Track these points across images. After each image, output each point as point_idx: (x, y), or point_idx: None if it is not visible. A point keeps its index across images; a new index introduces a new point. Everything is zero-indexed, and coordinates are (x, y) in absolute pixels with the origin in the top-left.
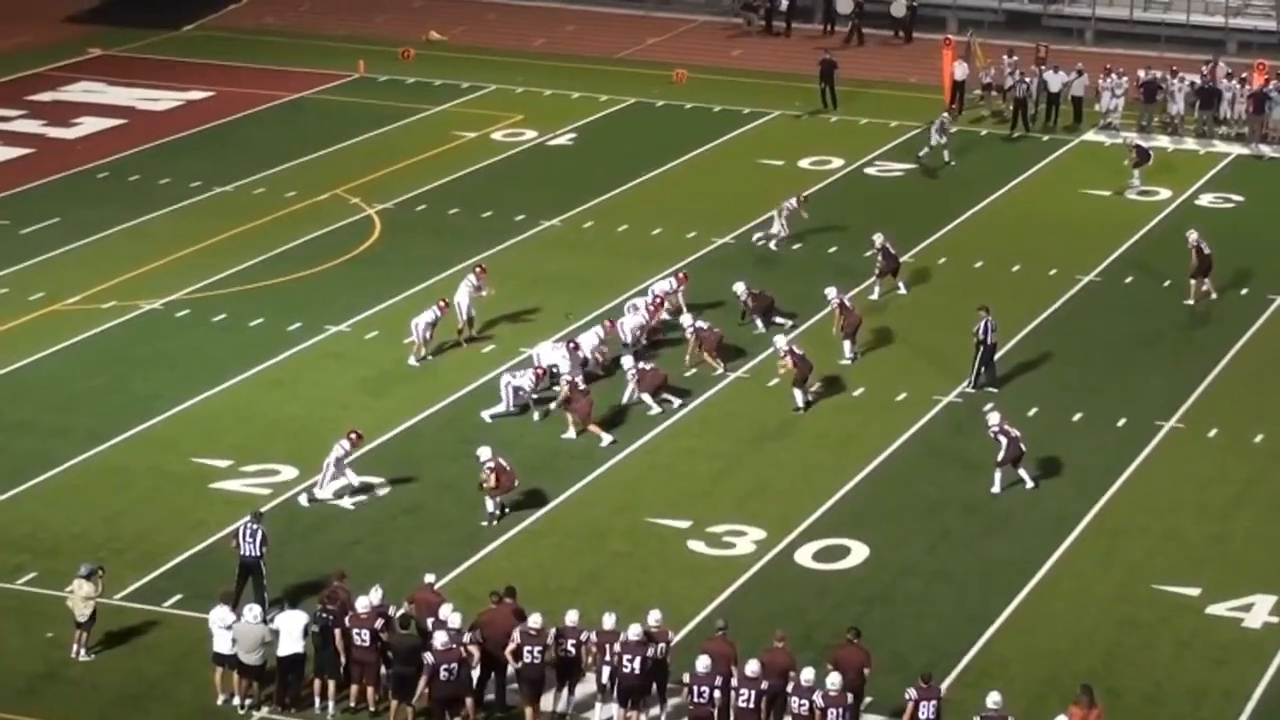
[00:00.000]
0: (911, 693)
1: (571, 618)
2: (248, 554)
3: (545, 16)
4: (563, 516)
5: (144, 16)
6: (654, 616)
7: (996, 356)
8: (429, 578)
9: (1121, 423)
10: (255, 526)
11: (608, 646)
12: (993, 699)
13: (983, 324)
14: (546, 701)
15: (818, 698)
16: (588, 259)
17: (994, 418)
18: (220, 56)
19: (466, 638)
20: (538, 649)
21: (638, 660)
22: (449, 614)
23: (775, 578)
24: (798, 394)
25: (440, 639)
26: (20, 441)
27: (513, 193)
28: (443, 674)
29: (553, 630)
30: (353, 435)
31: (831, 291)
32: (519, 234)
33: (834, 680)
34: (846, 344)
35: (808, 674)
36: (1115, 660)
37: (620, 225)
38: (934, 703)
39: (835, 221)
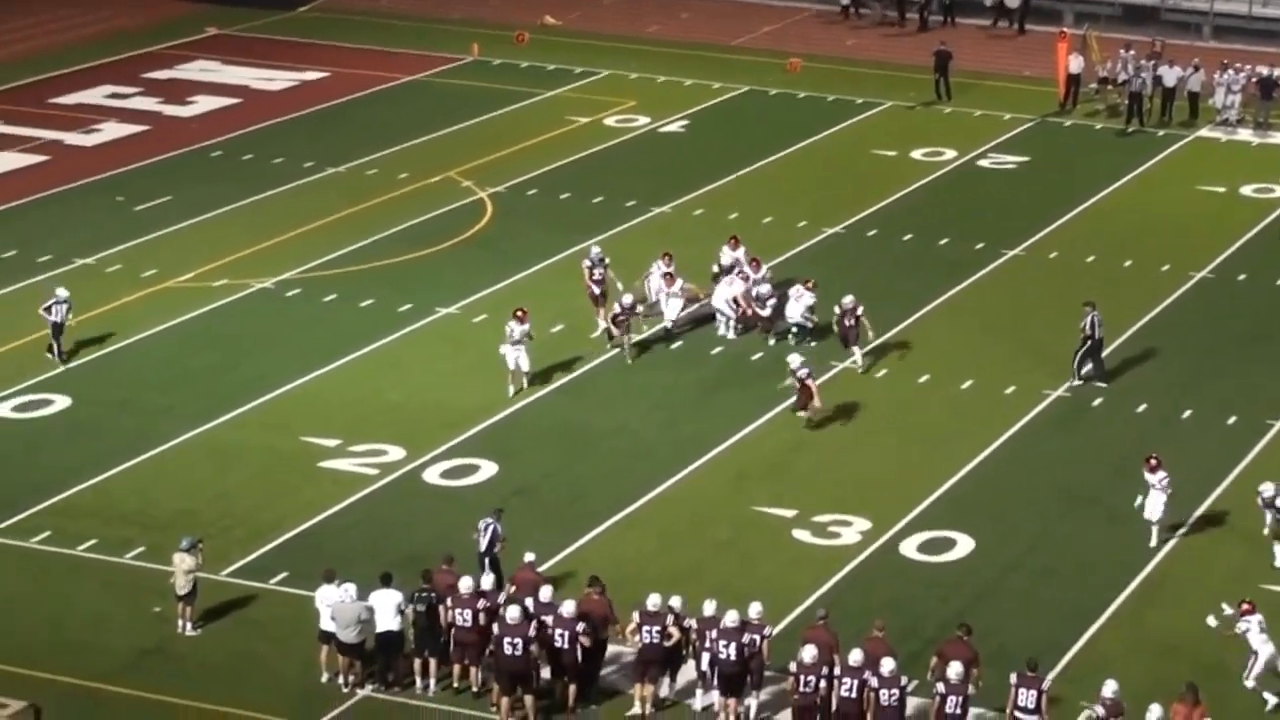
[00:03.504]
0: (1014, 678)
1: (675, 603)
2: (480, 548)
3: (660, 3)
4: (667, 504)
5: None
6: (755, 609)
7: (1104, 353)
8: (529, 557)
9: (1232, 420)
10: (489, 521)
11: (707, 633)
12: (1110, 688)
13: (1090, 319)
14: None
15: (940, 686)
16: (698, 247)
17: (1268, 489)
18: (335, 37)
19: (580, 627)
20: (656, 629)
21: (733, 646)
22: (548, 595)
23: (880, 568)
24: (803, 414)
25: (513, 613)
26: (130, 417)
27: (624, 179)
28: (507, 648)
29: (670, 614)
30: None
31: (849, 299)
32: (630, 219)
33: (956, 670)
34: (857, 351)
35: (888, 664)
36: (1222, 661)
37: (731, 213)
38: (1035, 692)
39: (947, 215)
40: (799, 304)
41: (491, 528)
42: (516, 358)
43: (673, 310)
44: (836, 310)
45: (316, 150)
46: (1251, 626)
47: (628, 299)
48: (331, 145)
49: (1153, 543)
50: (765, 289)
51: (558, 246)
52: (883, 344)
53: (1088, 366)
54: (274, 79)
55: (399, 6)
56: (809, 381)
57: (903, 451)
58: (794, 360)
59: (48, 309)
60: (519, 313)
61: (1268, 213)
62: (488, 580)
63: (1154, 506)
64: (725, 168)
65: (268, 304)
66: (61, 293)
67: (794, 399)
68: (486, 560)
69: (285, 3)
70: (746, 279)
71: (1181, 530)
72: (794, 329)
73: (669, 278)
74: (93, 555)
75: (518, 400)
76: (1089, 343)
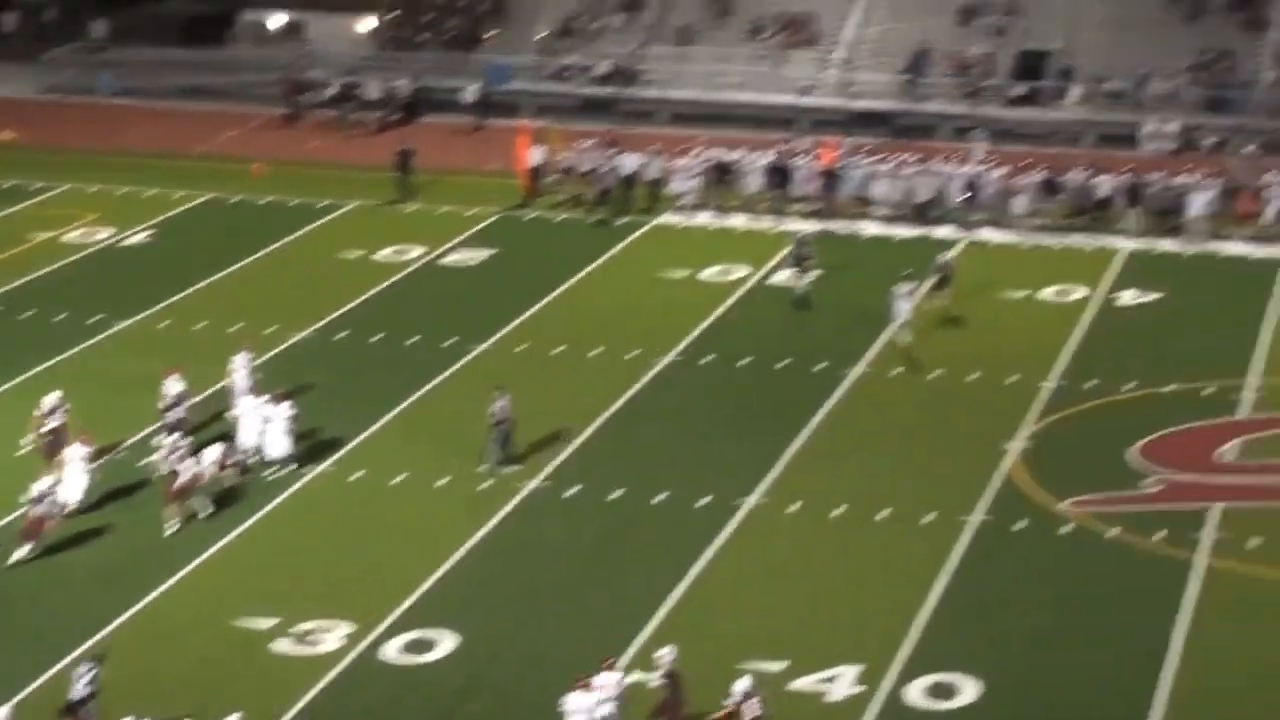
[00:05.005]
0: None
1: None
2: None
3: (119, 114)
4: (143, 621)
5: None
6: None
7: (578, 440)
8: None
9: (704, 501)
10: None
11: None
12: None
13: (499, 404)
14: None
15: None
16: (165, 358)
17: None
18: None
19: None
20: None
21: None
22: None
23: (362, 673)
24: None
25: None
26: None
27: (88, 293)
28: None
29: None
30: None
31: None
32: (95, 335)
33: None
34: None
35: None
36: None
37: (199, 322)
38: None
39: (416, 313)
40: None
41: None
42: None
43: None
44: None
45: None
46: None
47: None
48: None
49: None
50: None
51: (20, 365)
52: (356, 445)
53: (498, 452)
54: None
55: None
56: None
57: (381, 551)
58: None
59: None
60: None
61: (730, 295)
62: None
63: None
64: (191, 277)
65: None
66: None
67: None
68: None
69: None
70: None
71: (660, 612)
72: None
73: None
74: None
75: None
76: (499, 427)
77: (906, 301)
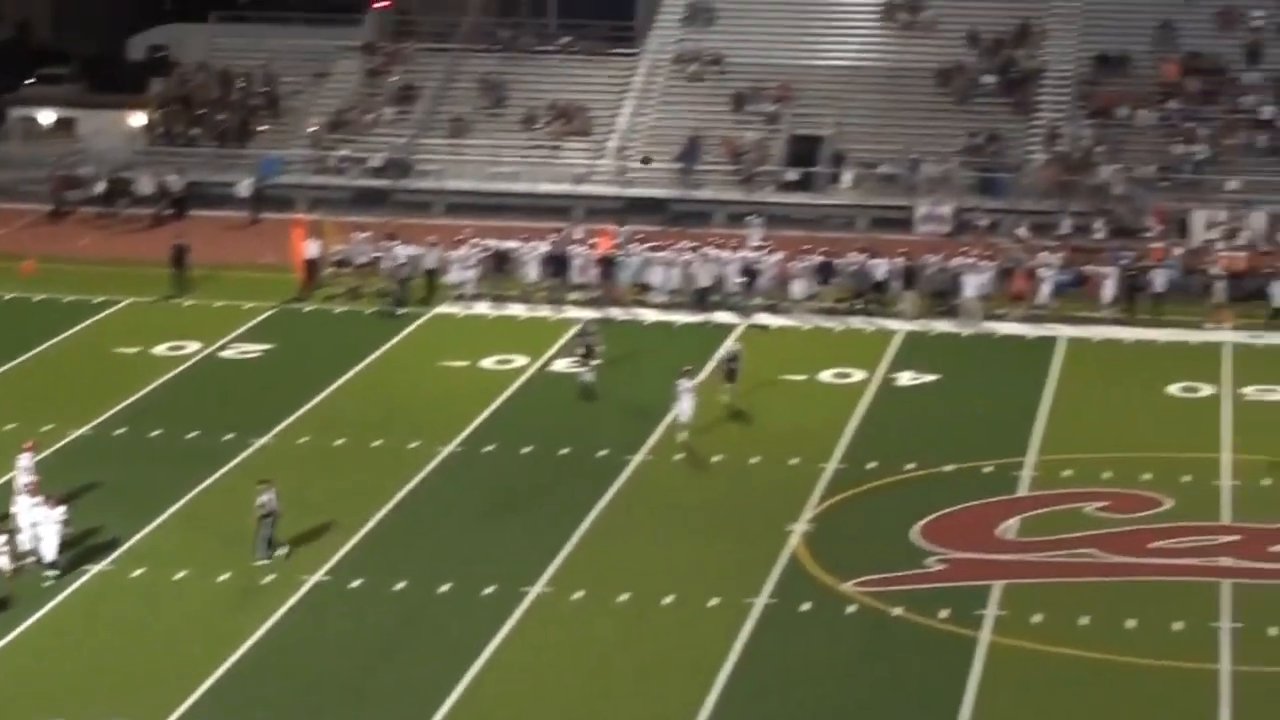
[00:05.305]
0: None
1: None
2: None
3: None
4: None
5: None
6: None
7: (361, 532)
8: None
9: (489, 590)
10: None
11: None
12: None
13: (265, 497)
14: None
15: None
16: None
17: None
18: None
19: None
20: None
21: None
22: None
23: None
24: None
25: None
26: None
27: None
28: None
29: None
30: None
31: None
32: None
33: None
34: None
35: None
36: None
37: None
38: None
39: (195, 407)
40: None
41: None
42: None
43: None
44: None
45: None
46: None
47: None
48: None
49: None
50: None
51: None
52: (136, 542)
53: (264, 546)
54: None
55: None
56: None
57: (163, 649)
58: None
59: None
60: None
61: (510, 384)
62: None
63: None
64: None
65: None
66: None
67: None
68: None
69: None
70: None
71: (444, 707)
72: None
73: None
74: None
75: None
76: (266, 520)
77: (689, 398)
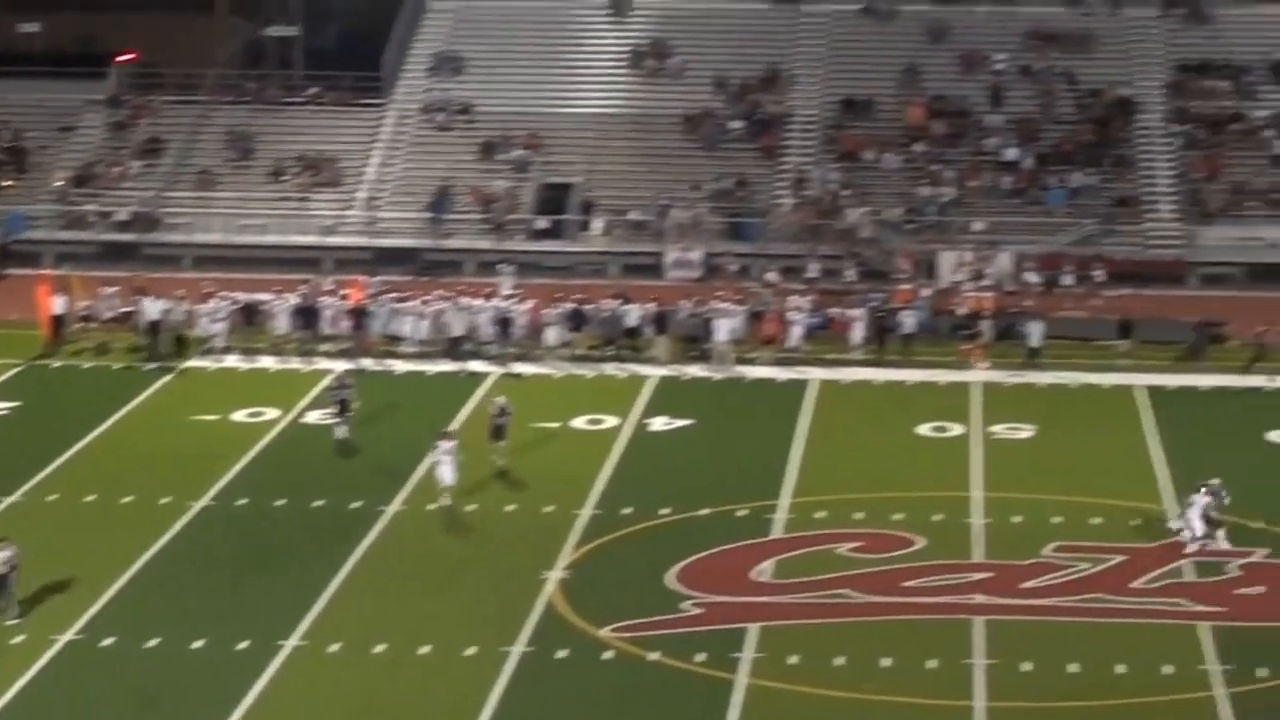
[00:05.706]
0: None
1: None
2: None
3: None
4: None
5: None
6: None
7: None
8: None
9: (244, 645)
10: None
11: None
12: None
13: (4, 555)
14: None
15: None
16: None
17: None
18: None
19: None
20: None
21: None
22: None
23: None
24: None
25: None
26: None
27: None
28: None
29: None
30: None
31: None
32: None
33: None
34: None
35: None
36: None
37: None
38: None
39: None
40: None
41: None
42: None
43: None
44: None
45: None
46: None
47: None
48: None
49: None
50: None
51: None
52: None
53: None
54: None
55: None
56: None
57: None
58: None
59: None
60: None
61: (262, 436)
62: None
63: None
64: None
65: None
66: None
67: None
68: None
69: None
70: None
71: None
72: None
73: None
74: None
75: None
76: (5, 577)
77: (449, 460)
